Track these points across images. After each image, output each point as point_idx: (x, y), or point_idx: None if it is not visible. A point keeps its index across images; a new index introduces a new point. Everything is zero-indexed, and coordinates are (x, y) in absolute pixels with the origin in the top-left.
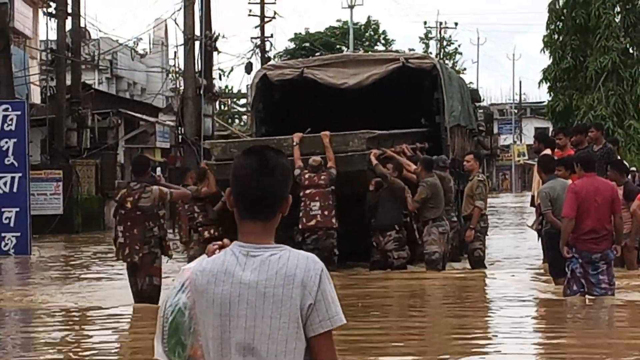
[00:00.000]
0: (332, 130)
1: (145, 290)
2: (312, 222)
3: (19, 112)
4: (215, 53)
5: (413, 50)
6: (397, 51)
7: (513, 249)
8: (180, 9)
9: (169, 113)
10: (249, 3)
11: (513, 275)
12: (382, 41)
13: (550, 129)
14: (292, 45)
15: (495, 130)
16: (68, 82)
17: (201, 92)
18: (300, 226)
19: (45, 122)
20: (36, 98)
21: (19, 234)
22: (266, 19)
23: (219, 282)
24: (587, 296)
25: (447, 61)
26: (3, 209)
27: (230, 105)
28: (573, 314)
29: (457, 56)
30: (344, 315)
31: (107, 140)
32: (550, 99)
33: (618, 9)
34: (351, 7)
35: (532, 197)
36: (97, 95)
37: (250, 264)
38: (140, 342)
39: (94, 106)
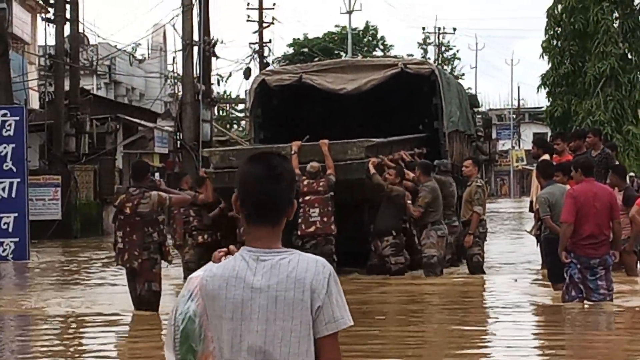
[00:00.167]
0: (331, 135)
1: (144, 296)
2: (312, 229)
3: (17, 118)
4: (213, 58)
5: (411, 55)
6: (395, 56)
7: (512, 254)
8: (179, 14)
9: (167, 118)
10: (248, 9)
11: (516, 280)
12: (381, 46)
13: (549, 134)
14: (290, 50)
15: (494, 136)
16: (66, 87)
17: (199, 97)
18: (299, 232)
19: (43, 128)
20: (35, 103)
21: (17, 240)
22: (264, 25)
23: (230, 287)
24: (585, 302)
25: (445, 66)
26: (1, 215)
27: (228, 110)
28: (572, 319)
29: (456, 61)
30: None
31: (106, 145)
32: (548, 104)
33: (616, 14)
34: (349, 12)
35: (531, 202)
36: (95, 100)
37: (261, 269)
38: (139, 349)
39: (92, 111)
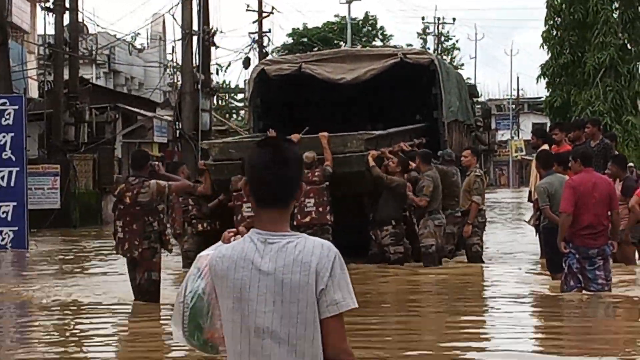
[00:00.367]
0: (330, 125)
1: (144, 285)
2: (307, 219)
3: (16, 107)
4: (213, 48)
5: (411, 45)
6: (394, 46)
7: (511, 244)
8: (178, 3)
9: (166, 108)
10: None
11: (520, 268)
12: (380, 36)
13: (548, 125)
14: (290, 40)
15: (493, 126)
16: (66, 76)
17: (199, 87)
18: (295, 222)
19: (42, 117)
20: (34, 93)
21: (16, 228)
22: (264, 14)
23: (239, 268)
24: (584, 292)
25: (444, 57)
26: (0, 204)
27: (227, 100)
28: (570, 309)
29: (455, 52)
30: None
31: (105, 134)
32: (548, 94)
33: (616, 5)
34: (349, 2)
35: (530, 192)
36: (94, 89)
37: (268, 251)
38: (139, 338)
39: (91, 101)
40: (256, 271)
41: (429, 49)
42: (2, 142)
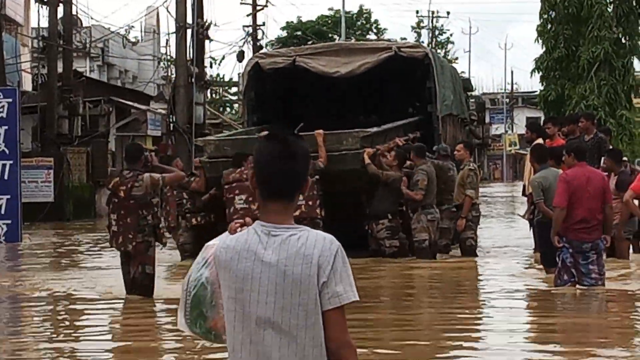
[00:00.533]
0: (324, 118)
1: (138, 279)
2: (297, 212)
3: (10, 100)
4: (207, 41)
5: (405, 39)
6: (389, 40)
7: (504, 238)
8: None
9: (160, 101)
10: None
11: (514, 262)
12: (374, 30)
13: (542, 119)
14: (284, 33)
15: (487, 120)
16: (59, 69)
17: (193, 80)
18: None
19: (36, 110)
20: (27, 85)
21: (9, 222)
22: (258, 7)
23: (242, 259)
24: (577, 286)
25: (439, 50)
26: None
27: (221, 93)
28: (563, 304)
29: (449, 45)
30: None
31: (99, 128)
32: (542, 88)
33: None
34: None
35: (524, 186)
36: (88, 83)
37: (272, 243)
38: (132, 332)
39: (85, 94)
40: (259, 262)
41: (423, 42)
42: None
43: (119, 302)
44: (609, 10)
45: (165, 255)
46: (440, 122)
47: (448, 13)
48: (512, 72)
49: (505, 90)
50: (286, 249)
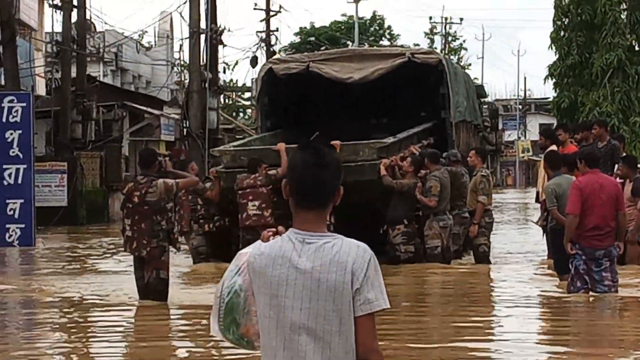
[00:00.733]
0: (337, 124)
1: (152, 284)
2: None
3: (24, 104)
4: (220, 46)
5: (418, 45)
6: (402, 46)
7: (518, 244)
8: (186, 2)
9: (173, 106)
10: None
11: (527, 269)
12: (387, 36)
13: (555, 126)
14: (297, 39)
15: (500, 126)
16: (73, 74)
17: (206, 85)
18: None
19: (50, 114)
20: (41, 90)
21: (23, 226)
22: (272, 13)
23: (277, 266)
24: (590, 293)
25: (452, 57)
26: (8, 201)
27: (235, 98)
28: (577, 311)
29: (462, 52)
30: None
31: (112, 132)
32: (555, 95)
33: (624, 5)
34: (356, 1)
35: (537, 193)
36: (102, 87)
37: (306, 251)
38: (147, 337)
39: (98, 99)
40: (293, 269)
41: (436, 48)
42: (9, 140)
43: (132, 307)
44: (623, 17)
45: (180, 260)
46: (454, 129)
47: (461, 19)
48: (525, 78)
49: (518, 96)
50: (320, 256)
